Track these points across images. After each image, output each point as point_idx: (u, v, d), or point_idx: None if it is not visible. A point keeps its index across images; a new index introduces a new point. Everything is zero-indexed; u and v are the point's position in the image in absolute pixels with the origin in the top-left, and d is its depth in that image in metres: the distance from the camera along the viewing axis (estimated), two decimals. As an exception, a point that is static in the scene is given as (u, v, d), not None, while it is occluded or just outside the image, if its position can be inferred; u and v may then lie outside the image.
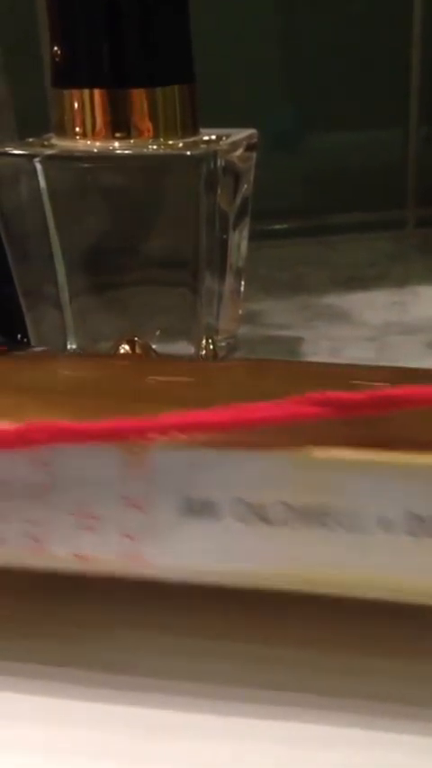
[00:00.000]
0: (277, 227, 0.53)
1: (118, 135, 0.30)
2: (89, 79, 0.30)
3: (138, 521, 0.17)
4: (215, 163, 0.30)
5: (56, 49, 0.30)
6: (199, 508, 0.17)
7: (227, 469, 0.17)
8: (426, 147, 0.54)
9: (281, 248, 0.51)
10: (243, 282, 0.35)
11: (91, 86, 0.30)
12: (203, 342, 0.31)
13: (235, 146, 0.31)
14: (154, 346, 0.31)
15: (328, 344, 0.37)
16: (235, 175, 0.32)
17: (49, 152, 0.30)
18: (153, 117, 0.30)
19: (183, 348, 0.31)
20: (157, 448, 0.17)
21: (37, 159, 0.29)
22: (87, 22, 0.30)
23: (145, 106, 0.30)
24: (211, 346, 0.32)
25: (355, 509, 0.17)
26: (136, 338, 0.31)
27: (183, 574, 0.17)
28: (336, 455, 0.17)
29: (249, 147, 0.33)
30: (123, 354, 0.23)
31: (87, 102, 0.30)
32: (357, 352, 0.35)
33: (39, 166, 0.29)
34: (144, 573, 0.18)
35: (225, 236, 0.32)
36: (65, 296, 0.31)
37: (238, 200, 0.33)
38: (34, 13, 0.46)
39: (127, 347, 0.30)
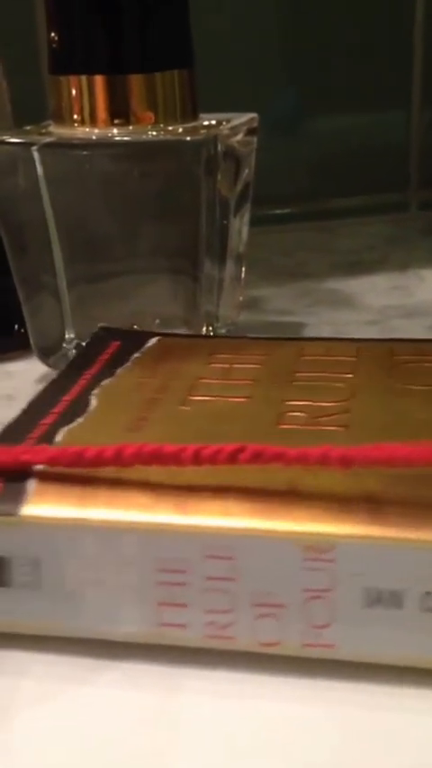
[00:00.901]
0: (278, 211, 0.53)
1: (117, 121, 0.30)
2: (87, 65, 0.29)
3: (321, 610, 0.17)
4: (215, 148, 0.29)
5: (53, 35, 0.30)
6: (383, 598, 0.17)
7: (409, 562, 0.17)
8: (429, 130, 0.54)
9: (282, 233, 0.51)
10: (244, 269, 0.34)
11: (89, 73, 0.29)
12: (204, 329, 0.31)
13: (235, 130, 0.31)
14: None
15: (329, 329, 0.37)
16: (236, 160, 0.31)
17: (46, 140, 0.30)
18: (152, 102, 0.30)
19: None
20: (339, 541, 0.17)
21: (34, 147, 0.29)
22: (84, 8, 0.29)
23: (144, 92, 0.30)
24: (212, 333, 0.32)
25: None
26: (135, 326, 0.30)
27: (366, 659, 0.18)
28: None
29: (250, 132, 0.32)
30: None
31: (85, 89, 0.30)
32: (358, 337, 0.35)
33: (36, 154, 0.29)
34: (328, 657, 0.18)
35: (226, 222, 0.32)
36: (63, 285, 0.31)
37: (239, 186, 0.32)
38: (31, 0, 0.46)
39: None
